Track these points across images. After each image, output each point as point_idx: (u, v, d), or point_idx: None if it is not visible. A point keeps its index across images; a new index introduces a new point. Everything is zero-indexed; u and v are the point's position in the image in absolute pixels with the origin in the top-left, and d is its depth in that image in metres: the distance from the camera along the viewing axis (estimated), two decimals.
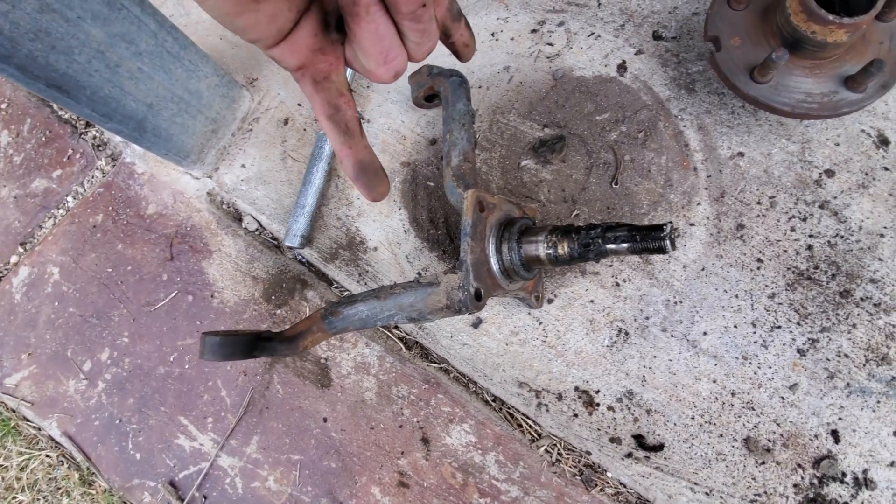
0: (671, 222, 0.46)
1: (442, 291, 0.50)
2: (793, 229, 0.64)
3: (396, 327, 0.71)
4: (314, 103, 0.33)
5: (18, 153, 0.88)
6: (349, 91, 0.34)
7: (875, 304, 0.61)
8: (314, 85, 0.32)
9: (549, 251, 0.53)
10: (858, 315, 0.61)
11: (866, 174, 0.65)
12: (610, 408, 0.63)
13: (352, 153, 0.34)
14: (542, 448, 0.64)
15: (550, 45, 0.75)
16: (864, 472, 0.58)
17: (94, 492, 0.74)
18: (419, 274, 0.70)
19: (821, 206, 0.64)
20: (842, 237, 0.63)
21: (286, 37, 0.29)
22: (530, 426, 0.65)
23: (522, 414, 0.65)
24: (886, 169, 0.65)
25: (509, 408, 0.66)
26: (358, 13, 0.27)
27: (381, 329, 0.72)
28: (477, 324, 0.67)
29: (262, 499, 0.68)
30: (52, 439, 0.77)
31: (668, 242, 0.46)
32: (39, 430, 0.78)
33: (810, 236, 0.64)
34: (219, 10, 0.26)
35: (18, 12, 0.48)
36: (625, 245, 0.48)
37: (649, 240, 0.47)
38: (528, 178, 0.70)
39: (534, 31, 0.76)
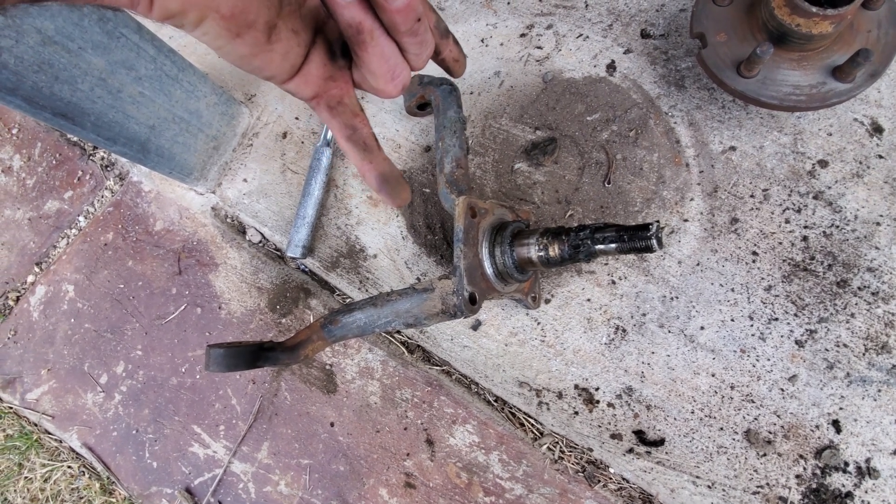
0: (657, 221, 0.47)
1: (437, 297, 0.52)
2: (787, 221, 0.64)
3: (398, 332, 0.73)
4: (332, 127, 0.35)
5: (31, 176, 0.91)
6: (362, 111, 0.36)
7: (873, 293, 0.61)
8: (329, 111, 0.34)
9: (541, 253, 0.54)
10: (856, 304, 0.61)
11: (860, 163, 0.65)
12: (610, 404, 0.63)
13: (373, 167, 0.36)
14: (545, 446, 0.65)
15: (539, 48, 0.76)
16: (867, 461, 0.58)
17: (114, 500, 0.77)
18: (418, 279, 0.71)
19: (815, 197, 0.65)
20: (837, 227, 0.63)
21: (298, 71, 0.31)
22: (532, 425, 0.66)
23: (524, 413, 0.66)
24: (881, 157, 0.65)
25: (511, 407, 0.67)
26: (363, 40, 0.29)
27: (383, 334, 0.73)
28: (476, 326, 0.69)
29: (275, 503, 0.70)
30: (73, 451, 0.80)
31: (654, 241, 0.46)
32: (61, 442, 0.81)
33: (805, 227, 0.64)
34: (235, 54, 0.28)
35: (22, 46, 0.50)
36: (613, 245, 0.49)
37: (636, 239, 0.47)
38: (521, 180, 0.71)
39: (523, 35, 0.77)
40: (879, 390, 0.59)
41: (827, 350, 0.61)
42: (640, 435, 0.62)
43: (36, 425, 0.82)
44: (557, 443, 0.65)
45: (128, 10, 0.25)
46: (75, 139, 0.92)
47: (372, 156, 0.36)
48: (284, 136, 0.80)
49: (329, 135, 0.75)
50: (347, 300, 0.75)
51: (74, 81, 0.56)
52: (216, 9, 0.26)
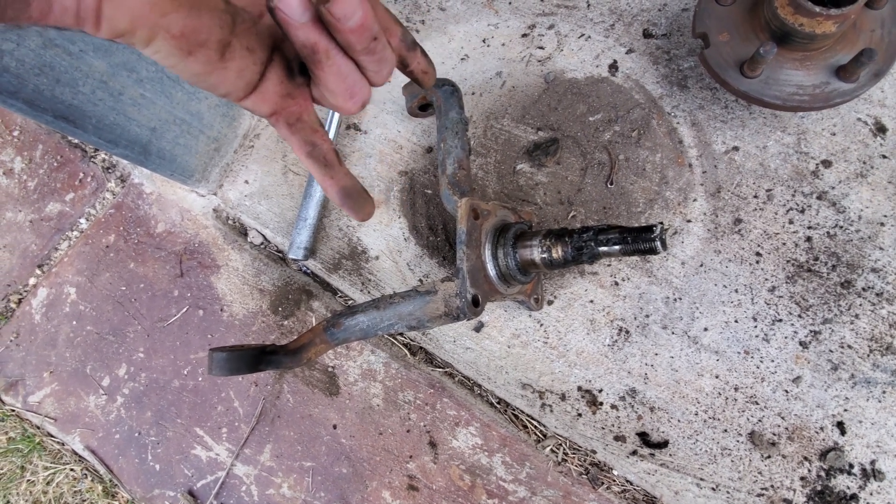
0: (662, 223, 0.47)
1: (440, 299, 0.51)
2: (791, 221, 0.64)
3: (401, 334, 0.73)
4: (292, 144, 0.35)
5: (32, 178, 0.91)
6: (321, 126, 0.36)
7: (877, 294, 0.61)
8: (288, 128, 0.34)
9: (544, 255, 0.54)
10: (861, 305, 0.61)
11: (864, 163, 0.64)
12: (613, 406, 0.63)
13: (334, 182, 0.36)
14: (548, 448, 0.65)
15: (541, 48, 0.75)
16: (872, 462, 0.58)
17: (117, 503, 0.77)
18: (420, 281, 0.71)
19: (819, 197, 0.64)
20: (841, 227, 0.63)
21: (255, 88, 0.32)
22: (535, 427, 0.66)
23: (527, 415, 0.66)
24: (885, 157, 0.64)
25: (514, 409, 0.67)
26: (319, 60, 0.29)
27: (386, 336, 0.73)
28: (479, 328, 0.68)
29: None
30: (76, 453, 0.80)
31: (658, 243, 0.46)
32: (63, 444, 0.81)
33: (809, 228, 0.64)
34: (188, 71, 0.28)
35: (23, 49, 0.50)
36: (616, 247, 0.49)
37: (640, 241, 0.47)
38: (523, 181, 0.71)
39: (524, 35, 0.76)
40: (884, 391, 0.59)
41: (831, 351, 0.60)
42: (643, 437, 0.62)
43: (38, 428, 0.82)
44: (561, 445, 0.65)
45: (73, 28, 0.25)
46: (76, 141, 0.92)
47: (333, 171, 0.36)
48: None
49: (330, 135, 0.75)
50: (349, 302, 0.75)
51: (76, 84, 0.55)
52: (166, 28, 0.26)
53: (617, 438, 0.62)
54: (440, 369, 0.71)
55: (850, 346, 0.60)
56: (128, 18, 0.25)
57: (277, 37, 0.32)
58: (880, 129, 0.65)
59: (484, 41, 0.78)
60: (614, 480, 0.63)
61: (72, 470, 0.80)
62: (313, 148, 0.35)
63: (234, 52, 0.29)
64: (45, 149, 0.93)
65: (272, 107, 0.33)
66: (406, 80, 0.72)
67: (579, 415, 0.64)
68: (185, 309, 0.79)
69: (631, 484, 0.63)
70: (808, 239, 0.63)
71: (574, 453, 0.64)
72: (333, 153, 0.36)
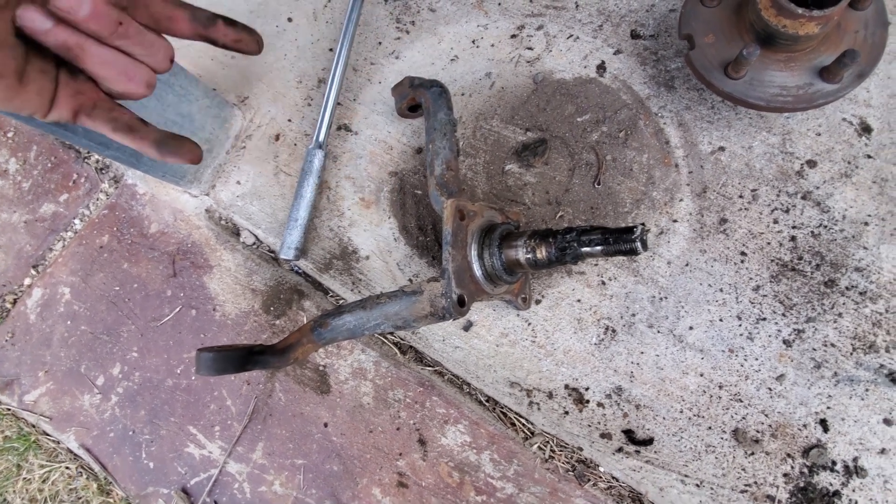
0: (643, 224, 0.48)
1: (426, 299, 0.52)
2: (776, 221, 0.65)
3: (390, 333, 0.74)
4: (98, 129, 0.37)
5: (26, 179, 0.92)
6: (118, 105, 0.38)
7: (861, 293, 0.62)
8: (89, 118, 0.37)
9: (529, 255, 0.54)
10: (844, 304, 0.62)
11: (849, 163, 0.65)
12: (599, 404, 0.64)
13: (145, 139, 0.39)
14: (535, 445, 0.66)
15: (530, 49, 0.76)
16: (855, 459, 0.59)
17: (112, 500, 0.78)
18: (410, 281, 0.72)
19: (803, 197, 0.65)
20: (825, 227, 0.64)
21: (54, 100, 0.34)
22: (523, 424, 0.67)
23: (515, 413, 0.67)
24: (869, 156, 0.65)
25: (502, 407, 0.68)
26: (76, 55, 0.32)
27: (375, 335, 0.74)
28: (468, 327, 0.69)
29: (270, 502, 0.71)
30: (71, 452, 0.81)
31: (639, 244, 0.47)
32: (58, 443, 0.81)
33: (793, 227, 0.64)
34: None
35: None
36: (599, 248, 0.50)
37: (622, 242, 0.48)
38: (512, 181, 0.72)
39: (513, 36, 0.77)
40: (867, 389, 0.60)
41: (814, 350, 0.61)
42: (629, 434, 0.63)
43: (34, 427, 0.83)
44: (548, 442, 0.65)
45: None
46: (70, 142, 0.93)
47: (140, 132, 0.39)
48: (277, 138, 0.81)
49: (321, 135, 0.75)
50: (341, 301, 0.76)
51: None
52: None
53: (603, 436, 0.63)
54: (430, 368, 0.72)
55: (833, 345, 0.61)
56: None
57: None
58: (865, 129, 0.66)
59: (473, 42, 0.78)
60: (600, 477, 0.64)
61: (67, 468, 0.81)
62: (116, 122, 0.37)
63: (30, 76, 0.32)
64: (39, 150, 0.93)
65: (71, 109, 0.35)
66: (395, 81, 0.73)
67: (566, 413, 0.65)
68: (178, 309, 0.80)
69: (617, 480, 0.63)
70: (793, 238, 0.64)
71: (561, 450, 0.65)
72: (136, 119, 0.39)
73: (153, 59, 0.36)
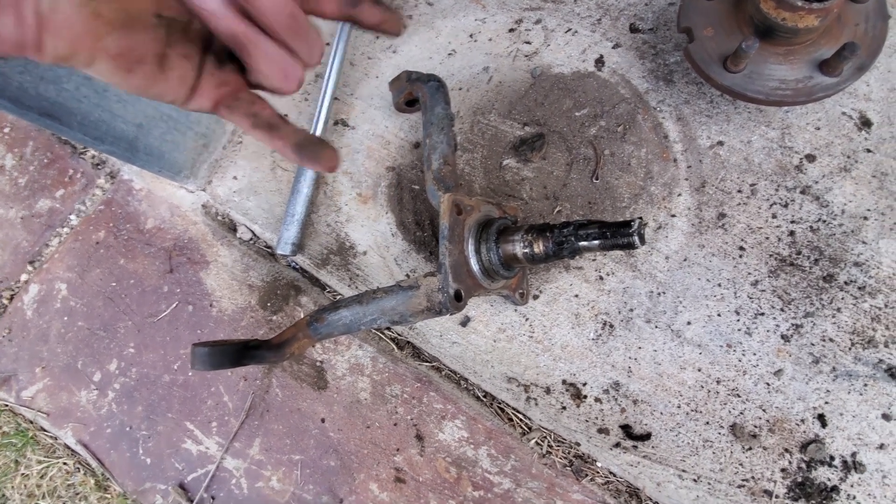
0: (640, 218, 0.47)
1: (422, 294, 0.52)
2: (774, 216, 0.64)
3: (388, 328, 0.73)
4: (236, 122, 0.36)
5: (23, 175, 0.91)
6: (259, 98, 0.36)
7: (860, 288, 0.61)
8: (229, 110, 0.35)
9: (526, 250, 0.54)
10: (843, 299, 0.61)
11: (848, 157, 0.65)
12: (597, 399, 0.64)
13: (286, 141, 0.36)
14: (533, 441, 0.66)
15: (528, 43, 0.75)
16: (853, 455, 0.59)
17: (109, 496, 0.78)
18: (407, 276, 0.71)
19: (802, 192, 0.64)
20: (824, 222, 0.63)
21: (196, 89, 0.33)
22: (520, 420, 0.67)
23: (512, 408, 0.67)
24: (869, 151, 0.65)
25: (500, 403, 0.68)
26: (246, 47, 0.31)
27: (374, 330, 0.74)
28: (465, 322, 0.69)
29: (267, 498, 0.71)
30: (69, 447, 0.81)
31: (636, 238, 0.47)
32: (56, 439, 0.81)
33: (792, 222, 0.64)
34: (132, 86, 0.30)
35: None
36: (596, 242, 0.49)
37: (619, 236, 0.48)
38: (510, 176, 0.71)
39: (511, 30, 0.76)
40: (865, 384, 0.60)
41: (813, 345, 0.61)
42: (626, 429, 0.63)
43: (31, 423, 0.83)
44: (545, 437, 0.65)
45: (17, 56, 0.26)
46: (66, 138, 0.92)
47: (280, 131, 0.36)
48: None
49: (318, 130, 0.75)
50: (338, 297, 0.76)
51: (60, 81, 0.56)
52: (104, 49, 0.27)
53: (600, 431, 0.63)
54: (427, 363, 0.71)
55: (831, 340, 0.61)
56: (67, 45, 0.26)
57: (207, 37, 0.33)
58: (865, 124, 0.65)
59: (471, 36, 0.77)
60: (598, 472, 0.64)
61: (65, 464, 0.81)
62: (255, 118, 0.36)
63: (172, 61, 0.31)
64: (35, 145, 0.93)
65: (213, 100, 0.34)
66: (393, 75, 0.72)
67: (564, 408, 0.64)
68: (174, 304, 0.80)
69: (614, 475, 0.63)
70: (792, 233, 0.64)
71: (558, 446, 0.65)
72: (276, 116, 0.37)
73: (309, 56, 0.33)
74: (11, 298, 0.87)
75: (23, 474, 0.84)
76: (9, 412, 0.84)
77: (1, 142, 0.94)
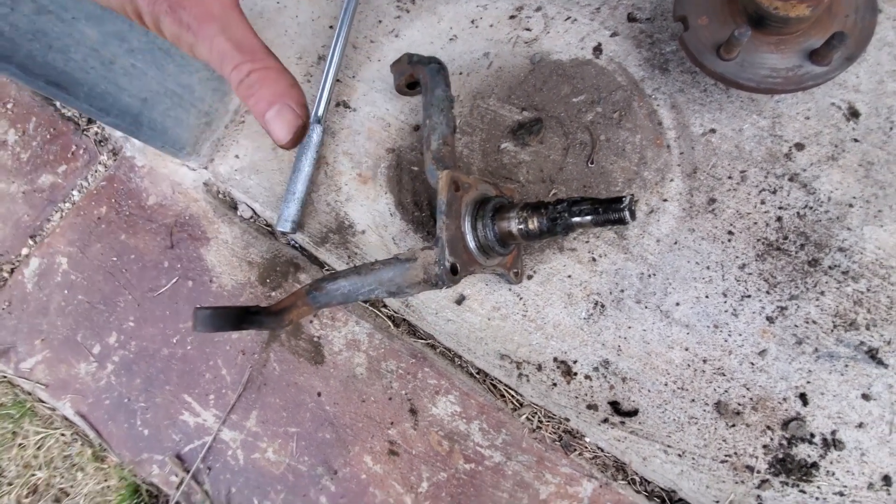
0: (631, 195, 0.49)
1: (419, 266, 0.53)
2: (763, 202, 0.66)
3: (384, 305, 0.75)
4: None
5: (25, 150, 0.92)
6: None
7: (843, 272, 0.63)
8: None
9: (521, 226, 0.56)
10: (826, 283, 0.63)
11: (836, 146, 0.67)
12: (587, 377, 0.66)
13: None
14: (524, 416, 0.67)
15: (528, 30, 0.77)
16: (833, 433, 0.61)
17: (106, 466, 0.79)
18: None
19: (790, 179, 0.66)
20: (811, 208, 0.65)
21: None
22: (512, 396, 0.68)
23: (504, 385, 0.69)
24: (856, 140, 0.66)
25: (492, 379, 0.70)
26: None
27: (370, 307, 0.75)
28: (460, 300, 0.70)
29: (263, 469, 0.72)
30: (66, 419, 0.82)
31: (627, 213, 0.48)
32: (54, 410, 0.82)
33: (780, 208, 0.66)
34: None
35: (17, 14, 0.51)
36: (588, 217, 0.51)
37: (610, 211, 0.49)
38: (507, 160, 0.73)
39: (512, 17, 0.78)
40: (846, 365, 0.62)
41: (796, 326, 0.63)
42: (615, 406, 0.64)
43: (30, 394, 0.84)
44: (536, 413, 0.67)
45: None
46: (69, 114, 0.93)
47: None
48: None
49: (320, 111, 0.76)
50: None
51: (68, 51, 0.57)
52: None
53: (589, 407, 0.65)
54: (422, 340, 0.73)
55: (814, 322, 0.63)
56: None
57: None
58: (853, 114, 0.67)
59: (472, 22, 0.79)
60: (586, 447, 0.65)
61: (62, 434, 0.82)
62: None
63: None
64: (38, 121, 0.93)
65: None
66: (395, 57, 0.74)
67: (554, 384, 0.66)
68: (174, 280, 0.81)
69: (602, 450, 0.65)
70: (779, 219, 0.65)
71: (548, 421, 0.67)
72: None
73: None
74: (12, 272, 0.88)
75: (20, 445, 0.85)
76: (7, 383, 0.85)
77: (4, 117, 0.95)
